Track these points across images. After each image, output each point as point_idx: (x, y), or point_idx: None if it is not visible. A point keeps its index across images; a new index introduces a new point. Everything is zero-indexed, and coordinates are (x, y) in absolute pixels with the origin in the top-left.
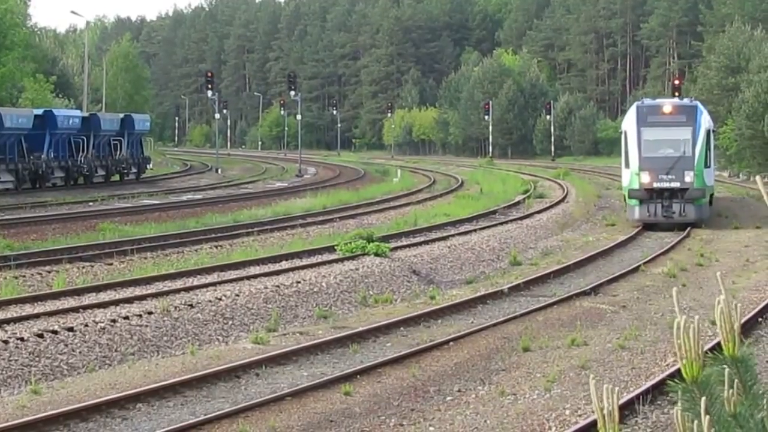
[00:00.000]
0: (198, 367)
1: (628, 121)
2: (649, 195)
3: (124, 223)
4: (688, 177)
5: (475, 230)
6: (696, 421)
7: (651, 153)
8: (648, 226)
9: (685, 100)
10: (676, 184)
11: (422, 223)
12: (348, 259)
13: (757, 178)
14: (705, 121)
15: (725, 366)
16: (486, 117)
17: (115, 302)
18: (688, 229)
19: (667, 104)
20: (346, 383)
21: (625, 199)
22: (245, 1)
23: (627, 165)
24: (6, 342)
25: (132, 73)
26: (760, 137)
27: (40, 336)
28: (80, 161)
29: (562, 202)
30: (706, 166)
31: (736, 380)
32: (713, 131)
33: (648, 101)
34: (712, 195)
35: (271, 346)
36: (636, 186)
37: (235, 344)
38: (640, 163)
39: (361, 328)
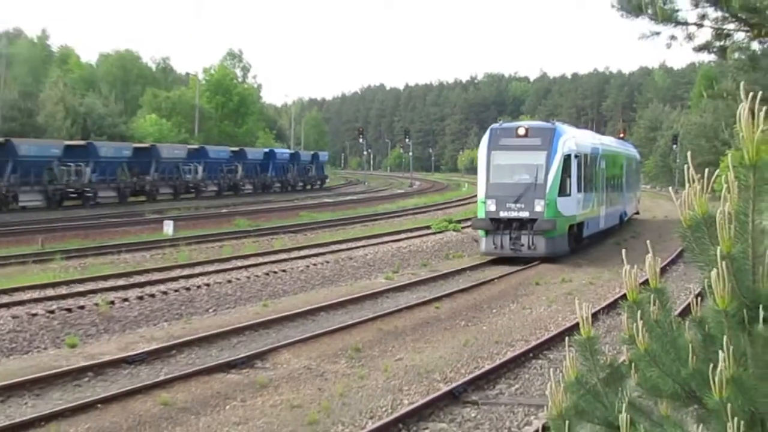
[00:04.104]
0: (353, 291)
1: (481, 145)
2: (495, 225)
3: (313, 212)
4: (539, 206)
5: None
6: (634, 324)
7: (500, 179)
8: (498, 259)
9: (547, 123)
10: (524, 214)
11: None
12: (438, 233)
13: (669, 188)
14: (565, 144)
15: (651, 293)
16: None
17: (309, 256)
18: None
19: (522, 126)
20: (436, 302)
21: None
22: (381, 89)
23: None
24: (248, 277)
25: (317, 128)
26: (666, 166)
27: (267, 274)
28: (292, 180)
29: None
30: (565, 194)
31: (657, 300)
32: (580, 156)
33: (506, 123)
34: (576, 226)
35: (395, 281)
36: (482, 215)
37: (375, 279)
38: (488, 189)
39: (445, 271)
